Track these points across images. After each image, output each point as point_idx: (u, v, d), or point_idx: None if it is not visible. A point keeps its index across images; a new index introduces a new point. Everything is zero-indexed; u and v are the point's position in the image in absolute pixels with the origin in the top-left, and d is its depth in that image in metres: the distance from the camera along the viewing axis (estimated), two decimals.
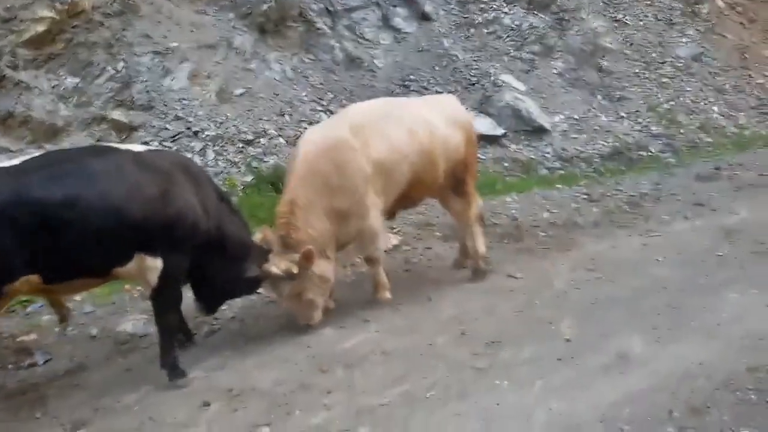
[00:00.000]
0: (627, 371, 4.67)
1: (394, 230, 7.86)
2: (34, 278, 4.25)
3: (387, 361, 5.07)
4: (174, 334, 5.05)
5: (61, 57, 9.35)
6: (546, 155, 11.24)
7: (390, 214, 6.87)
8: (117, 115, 9.53)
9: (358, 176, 5.68)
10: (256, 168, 9.53)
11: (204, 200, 4.95)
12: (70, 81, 9.34)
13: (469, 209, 6.64)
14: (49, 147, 8.54)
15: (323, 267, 5.61)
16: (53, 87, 9.17)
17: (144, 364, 5.34)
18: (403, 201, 6.35)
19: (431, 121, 6.25)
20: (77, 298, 6.28)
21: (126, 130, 9.50)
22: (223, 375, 5.03)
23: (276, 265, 5.34)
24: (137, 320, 6.01)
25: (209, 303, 5.50)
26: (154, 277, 4.74)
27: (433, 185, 6.38)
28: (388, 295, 6.14)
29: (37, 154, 5.18)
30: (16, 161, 4.43)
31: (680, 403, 4.19)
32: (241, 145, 9.88)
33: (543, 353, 5.03)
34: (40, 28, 9.18)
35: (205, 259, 5.06)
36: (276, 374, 4.97)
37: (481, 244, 6.67)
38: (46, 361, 5.46)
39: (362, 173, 5.69)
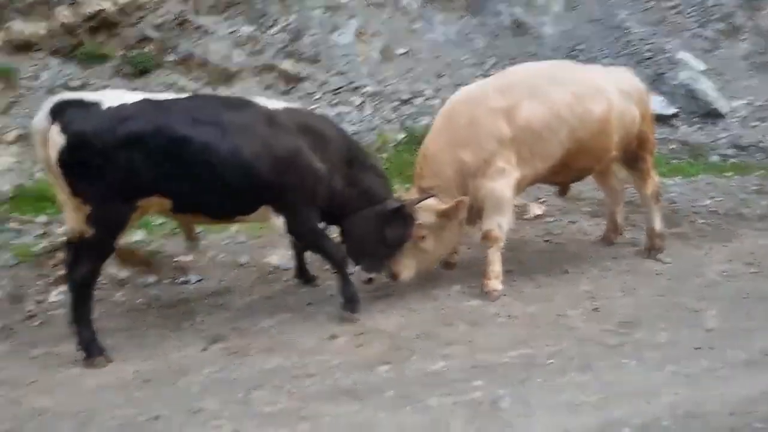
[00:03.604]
0: None
1: (540, 200, 7.71)
2: (167, 202, 4.55)
3: (512, 324, 5.03)
4: (343, 264, 5.17)
5: (240, 5, 9.96)
6: (719, 141, 10.44)
7: (562, 188, 6.67)
8: (286, 65, 10.03)
9: (489, 135, 5.43)
10: (409, 126, 9.67)
11: (331, 160, 4.99)
12: (246, 29, 9.93)
13: (645, 187, 6.38)
14: (222, 90, 9.19)
15: (450, 225, 5.55)
16: (230, 33, 9.80)
17: (283, 294, 5.70)
18: (564, 171, 5.97)
19: (605, 89, 5.85)
20: (233, 228, 6.78)
21: (293, 81, 9.99)
22: None
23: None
24: (284, 254, 6.35)
25: (364, 261, 5.39)
26: (282, 230, 4.98)
27: (603, 157, 6.02)
28: (499, 285, 5.57)
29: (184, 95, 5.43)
30: (162, 96, 4.70)
31: None
32: (397, 104, 10.06)
33: (680, 340, 4.76)
34: None
35: (342, 218, 5.23)
36: (401, 320, 5.11)
37: (657, 222, 6.44)
38: (198, 281, 5.97)
39: (496, 133, 5.43)
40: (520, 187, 5.77)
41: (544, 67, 6.29)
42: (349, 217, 5.25)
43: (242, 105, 4.94)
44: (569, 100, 5.63)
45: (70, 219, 4.44)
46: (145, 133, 4.29)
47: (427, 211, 5.42)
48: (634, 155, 6.25)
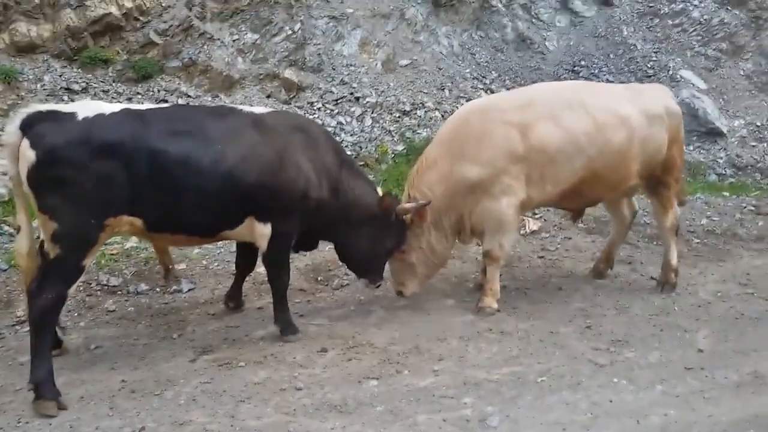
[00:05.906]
0: (760, 392, 4.29)
1: (536, 216, 7.71)
2: (137, 222, 4.26)
3: (503, 340, 5.02)
4: (285, 293, 5.05)
5: (244, 13, 10.01)
6: (718, 160, 10.50)
7: (575, 214, 6.32)
8: (288, 74, 10.06)
9: (499, 151, 5.23)
10: (409, 138, 9.70)
11: (321, 166, 4.84)
12: (250, 37, 9.97)
13: (665, 216, 5.98)
14: (224, 97, 9.22)
15: (432, 236, 5.44)
16: (234, 41, 9.84)
17: None
18: (576, 199, 5.70)
19: (628, 117, 5.54)
20: None
21: (294, 90, 10.03)
22: (343, 326, 5.25)
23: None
24: None
25: (358, 268, 5.43)
26: (264, 243, 4.74)
27: (619, 186, 5.74)
28: (494, 303, 5.51)
29: (165, 105, 5.21)
30: (142, 107, 4.47)
31: None
32: (398, 115, 10.09)
33: (671, 360, 4.75)
34: None
35: (327, 224, 5.01)
36: (393, 334, 5.09)
37: (674, 256, 6.02)
38: (190, 290, 5.93)
39: (506, 150, 5.22)
40: (526, 208, 5.61)
41: (570, 88, 6.07)
42: (348, 233, 5.12)
43: (226, 112, 4.82)
44: (589, 128, 5.38)
45: (23, 242, 4.16)
46: (122, 144, 4.06)
47: None
48: (657, 180, 5.88)
